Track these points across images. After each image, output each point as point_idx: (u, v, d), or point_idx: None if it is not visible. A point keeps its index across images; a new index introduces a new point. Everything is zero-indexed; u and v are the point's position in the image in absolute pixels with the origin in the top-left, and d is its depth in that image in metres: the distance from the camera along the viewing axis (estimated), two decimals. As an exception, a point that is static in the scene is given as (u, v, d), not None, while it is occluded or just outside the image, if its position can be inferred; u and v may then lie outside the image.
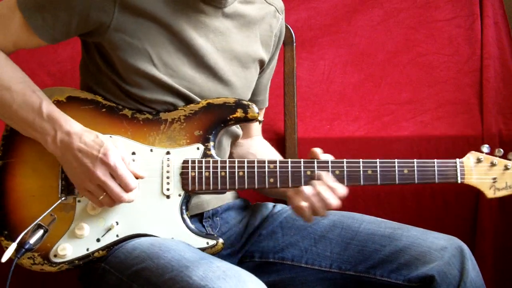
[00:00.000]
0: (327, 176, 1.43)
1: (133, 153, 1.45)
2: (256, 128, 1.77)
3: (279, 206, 1.67)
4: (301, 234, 1.56)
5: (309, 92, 2.14)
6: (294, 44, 1.97)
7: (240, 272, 1.26)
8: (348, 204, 2.11)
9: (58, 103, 1.45)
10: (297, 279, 1.54)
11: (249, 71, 1.59)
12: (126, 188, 1.38)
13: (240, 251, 1.60)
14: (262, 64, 1.64)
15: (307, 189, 1.42)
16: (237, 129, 1.62)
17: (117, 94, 1.47)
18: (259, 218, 1.63)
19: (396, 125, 2.13)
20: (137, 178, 1.40)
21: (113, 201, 1.39)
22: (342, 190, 1.43)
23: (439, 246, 1.44)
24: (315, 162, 1.44)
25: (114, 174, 1.37)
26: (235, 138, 1.64)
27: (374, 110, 2.15)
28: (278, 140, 2.07)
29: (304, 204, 1.41)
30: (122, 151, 1.40)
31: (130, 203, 1.42)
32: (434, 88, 2.15)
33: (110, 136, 1.44)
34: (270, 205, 1.68)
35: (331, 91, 2.15)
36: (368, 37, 2.16)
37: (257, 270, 1.30)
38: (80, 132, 1.38)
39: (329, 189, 1.42)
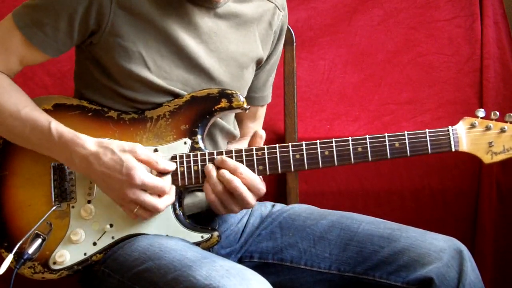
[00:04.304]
0: (228, 160, 1.42)
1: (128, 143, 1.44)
2: (250, 127, 1.76)
3: (278, 206, 1.67)
4: (300, 235, 1.56)
5: (309, 92, 2.14)
6: (294, 44, 1.97)
7: (244, 271, 1.27)
8: (347, 204, 2.14)
9: (46, 112, 1.45)
10: (296, 281, 1.54)
11: (247, 71, 1.59)
12: (163, 194, 1.38)
13: (239, 251, 1.60)
14: (259, 62, 1.64)
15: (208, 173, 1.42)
16: (234, 129, 1.62)
17: (113, 97, 1.48)
18: (258, 218, 1.63)
19: (396, 125, 2.14)
20: (168, 173, 1.40)
21: (149, 212, 1.39)
22: (245, 170, 1.41)
23: (438, 248, 1.44)
24: (304, 145, 1.43)
25: (144, 189, 1.37)
26: (232, 138, 1.64)
27: (374, 110, 2.15)
28: (278, 140, 2.07)
29: (207, 188, 1.41)
30: (143, 155, 1.38)
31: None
32: (434, 88, 2.15)
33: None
34: (269, 204, 1.68)
35: (331, 91, 2.15)
36: (368, 37, 2.16)
37: (256, 271, 1.30)
38: (95, 152, 1.37)
39: (228, 171, 1.41)
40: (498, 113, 1.42)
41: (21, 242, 1.41)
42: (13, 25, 1.42)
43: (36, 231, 1.43)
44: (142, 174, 1.36)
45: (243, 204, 1.42)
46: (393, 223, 1.54)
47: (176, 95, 1.48)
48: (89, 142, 1.39)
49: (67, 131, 1.40)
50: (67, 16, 1.40)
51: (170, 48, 1.46)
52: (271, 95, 1.77)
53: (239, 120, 1.73)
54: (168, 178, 1.41)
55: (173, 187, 1.42)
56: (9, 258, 1.39)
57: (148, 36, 1.44)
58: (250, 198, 1.41)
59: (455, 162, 2.13)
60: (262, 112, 1.79)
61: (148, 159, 1.39)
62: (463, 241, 1.49)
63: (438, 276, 1.40)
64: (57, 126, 1.40)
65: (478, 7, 2.14)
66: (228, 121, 1.61)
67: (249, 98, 1.68)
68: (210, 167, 1.42)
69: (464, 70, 2.16)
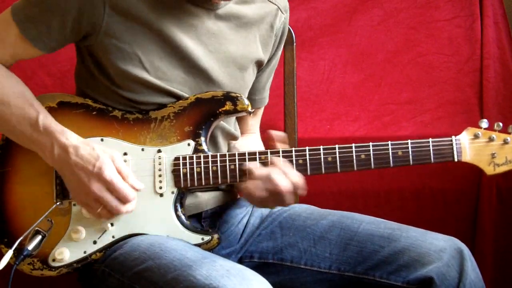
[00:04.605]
0: (280, 161, 1.41)
1: (125, 154, 1.45)
2: (250, 124, 1.76)
3: (279, 206, 1.67)
4: (300, 235, 1.56)
5: (309, 92, 2.15)
6: (294, 44, 1.97)
7: (244, 271, 1.27)
8: (347, 204, 2.14)
9: (50, 110, 1.45)
10: (296, 280, 1.54)
11: (247, 73, 1.59)
12: (125, 200, 1.38)
13: (240, 251, 1.60)
14: (260, 64, 1.63)
15: (257, 170, 1.40)
16: (234, 130, 1.62)
17: (112, 98, 1.48)
18: (258, 218, 1.63)
19: (396, 125, 2.14)
20: (135, 190, 1.40)
21: (111, 213, 1.39)
22: (295, 175, 1.40)
23: (438, 247, 1.43)
24: (307, 150, 1.43)
25: (111, 188, 1.37)
26: (232, 139, 1.63)
27: (374, 110, 2.15)
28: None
29: (250, 184, 1.40)
30: (119, 163, 1.39)
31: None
32: (434, 88, 2.15)
33: (102, 139, 1.45)
34: (270, 204, 1.68)
35: (331, 91, 2.15)
36: (368, 37, 2.16)
37: (256, 271, 1.30)
38: (76, 145, 1.38)
39: (281, 171, 1.39)
40: (501, 124, 1.41)
41: (21, 238, 1.41)
42: (10, 18, 1.44)
43: (37, 228, 1.43)
44: (113, 172, 1.37)
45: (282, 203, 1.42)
46: (393, 223, 1.54)
47: (175, 96, 1.48)
48: (73, 136, 1.40)
49: (54, 123, 1.41)
50: (60, 15, 1.40)
51: (168, 49, 1.46)
52: (268, 96, 1.77)
53: (240, 117, 1.73)
54: (134, 193, 1.40)
55: (135, 201, 1.41)
56: (9, 253, 1.39)
57: (144, 38, 1.44)
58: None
59: (455, 163, 2.13)
60: (261, 111, 1.79)
61: (121, 169, 1.39)
62: (463, 241, 1.49)
63: (439, 276, 1.40)
64: (45, 118, 1.41)
65: (478, 7, 2.15)
66: (229, 123, 1.61)
67: (250, 101, 1.68)
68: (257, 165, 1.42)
69: (464, 70, 2.16)
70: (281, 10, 1.63)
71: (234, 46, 1.54)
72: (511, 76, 2.15)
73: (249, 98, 1.66)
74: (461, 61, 2.16)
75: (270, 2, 1.61)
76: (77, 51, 1.53)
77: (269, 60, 1.67)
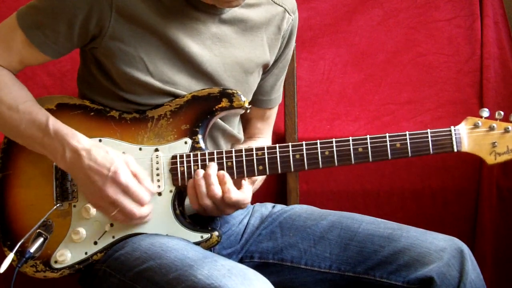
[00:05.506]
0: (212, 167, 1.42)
1: (123, 154, 1.45)
2: (257, 127, 1.76)
3: (279, 207, 1.67)
4: (300, 235, 1.56)
5: (309, 92, 2.14)
6: (294, 44, 1.97)
7: (245, 270, 1.27)
8: (347, 204, 2.14)
9: (49, 112, 1.46)
10: (296, 281, 1.54)
11: (252, 76, 1.59)
12: (140, 203, 1.38)
13: (240, 251, 1.61)
14: (266, 66, 1.63)
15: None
16: (237, 133, 1.62)
17: (115, 100, 1.48)
18: (258, 218, 1.63)
19: (396, 125, 2.14)
20: (150, 193, 1.41)
21: (126, 216, 1.39)
22: (228, 178, 1.42)
23: (438, 247, 1.43)
24: (304, 145, 1.43)
25: (126, 191, 1.37)
26: (235, 141, 1.63)
27: (374, 110, 2.15)
28: (278, 140, 2.07)
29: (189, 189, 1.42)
30: (134, 167, 1.40)
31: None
32: (434, 88, 2.15)
33: (100, 140, 1.46)
34: (270, 205, 1.68)
35: (331, 91, 2.15)
36: (368, 37, 2.16)
37: (256, 271, 1.30)
38: (88, 148, 1.38)
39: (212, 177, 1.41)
40: (502, 113, 1.40)
41: (22, 240, 1.42)
42: (16, 24, 1.44)
43: (39, 230, 1.44)
44: (128, 176, 1.37)
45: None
46: (393, 223, 1.54)
47: (177, 97, 1.48)
48: (85, 138, 1.41)
49: (64, 127, 1.41)
50: (67, 21, 1.41)
51: (172, 53, 1.46)
52: (281, 98, 1.76)
53: (247, 119, 1.73)
54: (149, 196, 1.40)
55: (151, 206, 1.42)
56: (10, 256, 1.40)
57: (148, 42, 1.44)
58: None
59: (455, 163, 2.13)
60: (270, 113, 1.77)
61: (137, 172, 1.39)
62: (463, 241, 1.49)
63: (439, 276, 1.40)
64: (54, 122, 1.42)
65: (478, 7, 2.15)
66: (232, 125, 1.60)
67: (257, 101, 1.68)
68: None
69: (464, 70, 2.16)
70: (288, 12, 1.62)
71: (239, 50, 1.54)
72: (511, 76, 2.15)
73: (257, 98, 1.66)
74: (461, 61, 2.16)
75: (277, 4, 1.60)
76: (81, 54, 1.54)
77: (276, 61, 1.66)
